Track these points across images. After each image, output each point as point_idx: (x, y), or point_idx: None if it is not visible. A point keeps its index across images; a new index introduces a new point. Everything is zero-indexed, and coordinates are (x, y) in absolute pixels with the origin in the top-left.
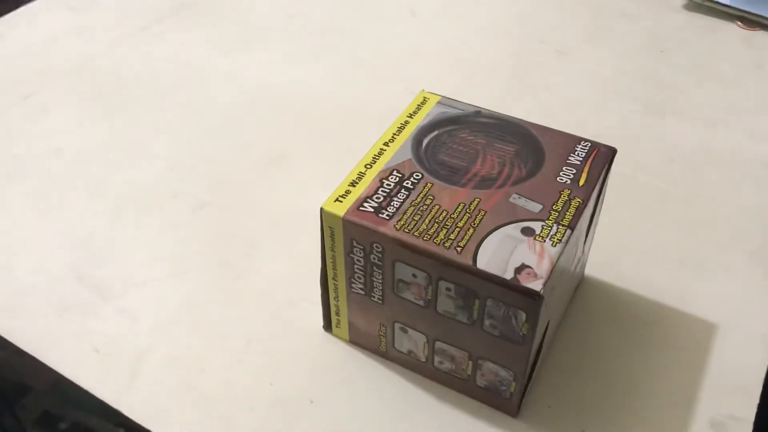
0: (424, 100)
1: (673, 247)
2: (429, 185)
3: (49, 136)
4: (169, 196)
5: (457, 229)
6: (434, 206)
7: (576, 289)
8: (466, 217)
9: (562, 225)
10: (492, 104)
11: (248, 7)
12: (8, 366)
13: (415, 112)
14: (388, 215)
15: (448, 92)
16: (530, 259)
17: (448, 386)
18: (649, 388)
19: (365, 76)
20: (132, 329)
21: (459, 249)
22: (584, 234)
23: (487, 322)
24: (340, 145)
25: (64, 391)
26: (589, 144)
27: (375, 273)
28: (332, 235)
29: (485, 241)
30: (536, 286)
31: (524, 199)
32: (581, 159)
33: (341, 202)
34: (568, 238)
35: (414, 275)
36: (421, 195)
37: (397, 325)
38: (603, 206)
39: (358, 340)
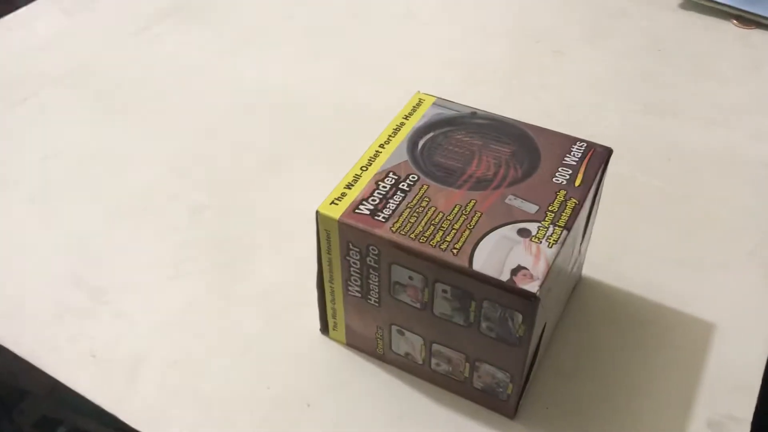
0: (420, 102)
1: (671, 246)
2: (425, 187)
3: (45, 140)
4: (167, 199)
5: (453, 230)
6: (430, 208)
7: (573, 289)
8: (462, 219)
9: (558, 226)
10: (490, 104)
11: (245, 9)
12: (6, 371)
13: (410, 114)
14: (384, 217)
15: (446, 93)
16: (526, 261)
17: (445, 388)
18: (647, 389)
19: (363, 76)
20: (129, 333)
21: (455, 251)
22: (581, 234)
23: (483, 324)
24: (339, 146)
25: (62, 396)
26: (585, 144)
27: (371, 275)
28: (328, 238)
29: (481, 242)
30: (532, 287)
31: (520, 200)
32: (577, 159)
33: (337, 204)
34: (564, 238)
35: (410, 277)
36: (417, 197)
37: (393, 328)
38: (601, 206)
39: (355, 343)
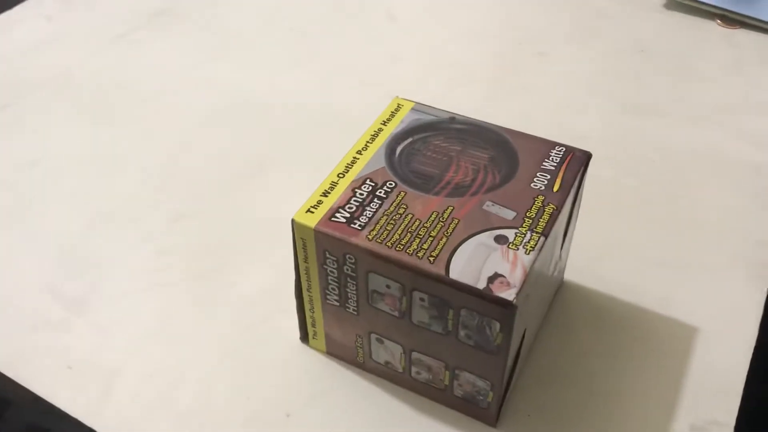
0: (398, 107)
1: (654, 249)
2: (402, 194)
3: (24, 148)
4: (146, 208)
5: (430, 238)
6: (407, 215)
7: (555, 294)
8: (439, 226)
9: (536, 232)
10: (473, 107)
11: (227, 14)
12: None
13: (388, 120)
14: (360, 225)
15: (428, 96)
16: (503, 268)
17: (426, 396)
18: (630, 394)
19: (345, 81)
20: (106, 344)
21: (432, 259)
22: (560, 239)
23: (461, 332)
24: (321, 152)
25: (47, 404)
26: (564, 149)
27: (349, 284)
28: (305, 247)
29: (458, 250)
30: (509, 295)
31: (498, 206)
32: (556, 164)
33: (313, 212)
34: (542, 245)
35: (388, 286)
36: (394, 204)
37: (373, 336)
38: (583, 209)
39: (335, 352)
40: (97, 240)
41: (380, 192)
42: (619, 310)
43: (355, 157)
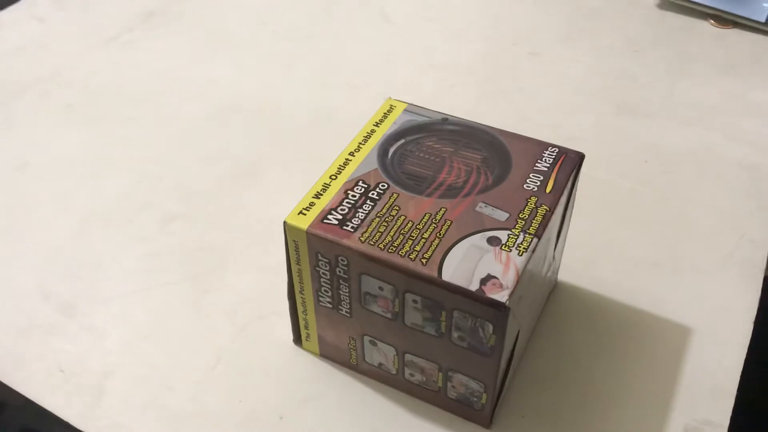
0: (391, 108)
1: (647, 249)
2: (395, 196)
3: (14, 150)
4: (138, 209)
5: (423, 240)
6: (400, 217)
7: (549, 295)
8: (431, 228)
9: (529, 233)
10: (466, 108)
11: (219, 15)
12: None
13: (381, 121)
14: (352, 227)
15: (421, 96)
16: (496, 270)
17: (419, 398)
18: (624, 395)
19: (338, 82)
20: (98, 347)
21: (424, 260)
22: (553, 241)
23: (455, 334)
24: (313, 153)
25: (39, 408)
26: (557, 150)
27: (341, 286)
28: (297, 249)
29: (451, 251)
30: (502, 297)
31: (491, 207)
32: (548, 165)
33: (305, 214)
34: (535, 246)
35: (380, 288)
36: (387, 206)
37: (366, 338)
38: (576, 209)
39: (328, 354)
40: (89, 242)
41: (373, 193)
42: (613, 310)
43: (347, 159)
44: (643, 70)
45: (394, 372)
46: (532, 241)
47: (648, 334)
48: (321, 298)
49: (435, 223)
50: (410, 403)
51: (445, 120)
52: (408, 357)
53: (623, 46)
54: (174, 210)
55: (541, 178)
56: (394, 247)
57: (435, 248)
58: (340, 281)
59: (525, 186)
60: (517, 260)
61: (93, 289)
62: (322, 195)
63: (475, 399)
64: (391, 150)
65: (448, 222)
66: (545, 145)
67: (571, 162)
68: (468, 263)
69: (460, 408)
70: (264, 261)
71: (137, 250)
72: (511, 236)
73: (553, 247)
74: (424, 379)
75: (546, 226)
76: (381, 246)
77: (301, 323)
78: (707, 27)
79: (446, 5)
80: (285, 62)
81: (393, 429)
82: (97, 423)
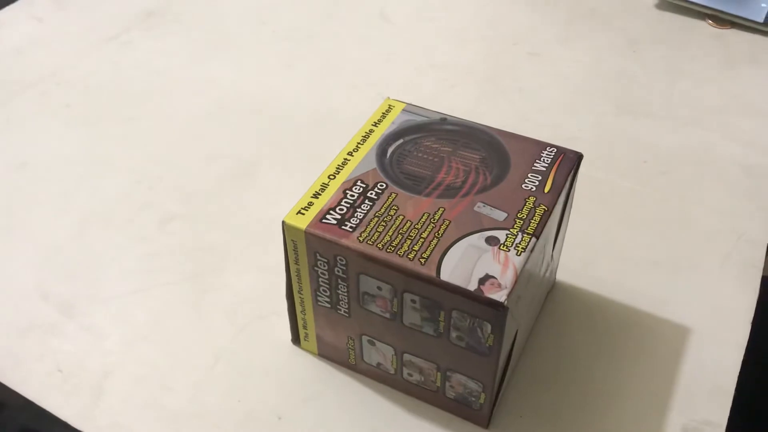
0: (390, 108)
1: (646, 249)
2: (393, 195)
3: (13, 150)
4: (137, 209)
5: (421, 240)
6: (398, 217)
7: (547, 294)
8: (430, 228)
9: (527, 233)
10: (465, 108)
11: (219, 14)
12: None
13: (380, 121)
14: (351, 227)
15: (421, 96)
16: (494, 270)
17: (418, 398)
18: (623, 395)
19: (337, 81)
20: (97, 347)
21: (423, 260)
22: (552, 240)
23: (453, 334)
24: (313, 152)
25: (38, 408)
26: (555, 150)
27: (340, 286)
28: (295, 249)
29: (449, 251)
30: (500, 297)
31: (489, 207)
32: (547, 165)
33: (303, 214)
34: (533, 246)
35: (379, 288)
36: (385, 205)
37: (364, 338)
38: (575, 209)
39: (327, 354)
40: (89, 242)
41: (371, 193)
42: (611, 310)
43: (346, 159)
44: (642, 70)
45: (392, 372)
46: (530, 240)
47: (646, 334)
48: (319, 298)
49: (433, 223)
50: (409, 403)
51: (444, 120)
52: (406, 357)
53: (622, 47)
54: (173, 210)
55: (540, 178)
56: (393, 246)
57: (433, 248)
58: (339, 281)
59: (523, 186)
60: (516, 260)
61: (92, 289)
62: (320, 195)
63: (473, 399)
64: (390, 150)
65: (447, 222)
66: (543, 145)
67: (569, 162)
68: (466, 263)
69: (459, 408)
70: (263, 261)
71: (137, 250)
72: (510, 236)
73: (552, 247)
74: (423, 378)
75: (544, 225)
76: (379, 246)
77: (300, 323)
78: (705, 27)
79: (446, 5)
80: (285, 62)
81: (391, 429)
82: (97, 423)
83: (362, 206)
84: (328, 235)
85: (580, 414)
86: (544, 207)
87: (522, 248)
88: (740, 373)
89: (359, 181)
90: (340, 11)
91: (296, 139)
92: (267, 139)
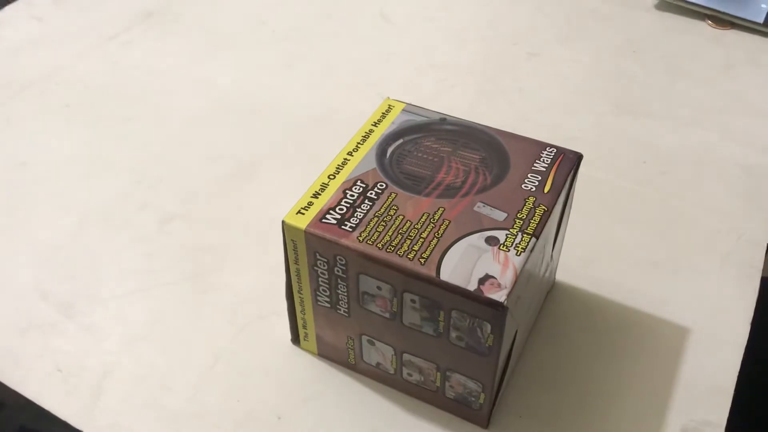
0: (389, 108)
1: (645, 249)
2: (393, 195)
3: (13, 149)
4: (136, 209)
5: (421, 239)
6: (398, 217)
7: (547, 294)
8: (429, 228)
9: (527, 233)
10: (465, 108)
11: (218, 14)
12: None
13: (379, 121)
14: (351, 227)
15: (421, 96)
16: (494, 270)
17: (417, 398)
18: (622, 395)
19: (337, 81)
20: (96, 347)
21: (422, 260)
22: (551, 240)
23: (453, 334)
24: (312, 152)
25: (38, 407)
26: (555, 150)
27: (340, 285)
28: (295, 248)
29: (449, 251)
30: (500, 296)
31: (489, 207)
32: (546, 165)
33: (303, 214)
34: (533, 246)
35: (378, 287)
36: (385, 205)
37: (364, 338)
38: (575, 209)
39: (326, 354)
40: (87, 241)
41: (371, 193)
42: (611, 310)
43: (345, 159)
44: (641, 70)
45: (392, 372)
46: (530, 240)
47: (646, 334)
48: (319, 298)
49: (433, 223)
50: (408, 403)
51: (444, 120)
52: (406, 357)
53: (622, 47)
54: (173, 210)
55: (540, 178)
56: (393, 246)
57: (433, 248)
58: (339, 281)
59: (523, 186)
60: (515, 260)
61: (92, 289)
62: (320, 194)
63: (473, 399)
64: (390, 150)
65: (447, 222)
66: (543, 145)
67: (569, 162)
68: (466, 263)
69: (458, 408)
70: (263, 261)
71: (136, 249)
72: (509, 236)
73: (551, 247)
74: (422, 378)
75: (544, 226)
76: (379, 246)
77: (300, 323)
78: (705, 28)
79: (446, 5)
80: (285, 62)
81: (391, 428)
82: (96, 423)
83: (362, 206)
84: (327, 235)
85: (579, 414)
86: (543, 207)
87: (522, 248)
88: (740, 373)
89: (359, 181)
90: (340, 11)
91: (296, 139)
92: (267, 139)
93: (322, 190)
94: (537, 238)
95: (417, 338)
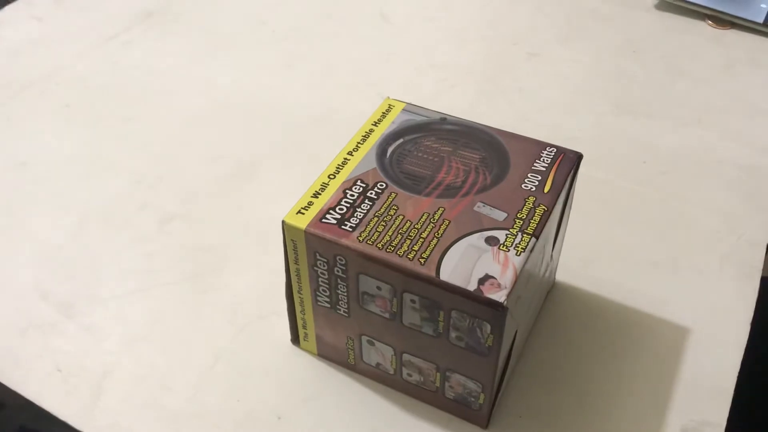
0: (389, 108)
1: (645, 250)
2: (393, 195)
3: (13, 149)
4: (136, 209)
5: (421, 239)
6: (398, 217)
7: (547, 295)
8: (429, 228)
9: (527, 233)
10: (465, 108)
11: (218, 14)
12: None
13: (379, 120)
14: (351, 227)
15: (421, 96)
16: (494, 270)
17: (417, 398)
18: (622, 396)
19: (337, 81)
20: (96, 347)
21: (422, 260)
22: (551, 240)
23: (452, 334)
24: (312, 152)
25: (37, 408)
26: (555, 150)
27: (339, 286)
28: (295, 248)
29: (449, 251)
30: (500, 297)
31: (489, 207)
32: (546, 165)
33: (303, 214)
34: (533, 246)
35: (378, 287)
36: (385, 205)
37: (364, 338)
38: (575, 209)
39: (326, 354)
40: (88, 242)
41: (371, 193)
42: (611, 311)
43: (346, 158)
44: (641, 70)
45: (391, 372)
46: (530, 241)
47: (645, 334)
48: (319, 298)
49: (433, 223)
50: (408, 403)
51: (444, 120)
52: (406, 357)
53: (622, 47)
54: (173, 210)
55: (540, 178)
56: (393, 246)
57: (433, 248)
58: (338, 281)
59: (523, 186)
60: (515, 260)
61: (91, 289)
62: (320, 194)
63: (472, 399)
64: (390, 149)
65: (447, 222)
66: (543, 145)
67: (569, 162)
68: (466, 263)
69: (458, 408)
70: (263, 261)
71: (136, 249)
72: (509, 236)
73: (551, 247)
74: (422, 379)
75: (544, 226)
76: (379, 246)
77: (299, 323)
78: (705, 28)
79: (446, 5)
80: (285, 62)
81: (391, 429)
82: (96, 423)
83: (362, 206)
84: (327, 235)
85: (579, 414)
86: (543, 207)
87: (522, 248)
88: (740, 373)
89: (359, 181)
90: (340, 11)
91: (296, 139)
92: (267, 139)
93: (322, 189)
94: (537, 238)
95: (417, 338)
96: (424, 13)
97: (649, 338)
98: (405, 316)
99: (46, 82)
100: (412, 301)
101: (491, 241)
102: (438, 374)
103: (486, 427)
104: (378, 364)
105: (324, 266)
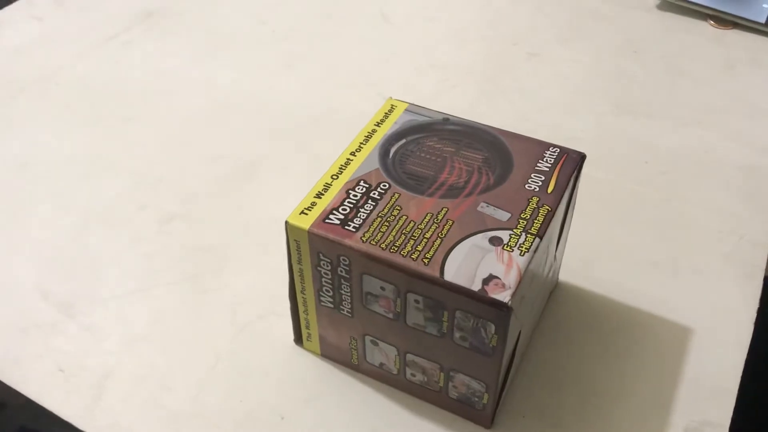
0: (392, 108)
1: (647, 250)
2: (396, 195)
3: (14, 149)
4: (137, 209)
5: (425, 240)
6: (401, 217)
7: (550, 295)
8: (433, 228)
9: (531, 233)
10: (465, 108)
11: (218, 14)
12: None
13: (382, 121)
14: (354, 227)
15: (421, 96)
16: (498, 270)
17: (421, 398)
18: (625, 396)
19: (337, 81)
20: (97, 347)
21: (426, 260)
22: (555, 241)
23: (456, 334)
24: (313, 153)
25: (39, 407)
26: (558, 150)
27: (343, 286)
28: (298, 249)
29: (453, 251)
30: (504, 297)
31: (492, 207)
32: (550, 165)
33: (306, 214)
34: (537, 246)
35: (382, 288)
36: (388, 205)
37: (367, 338)
38: (577, 210)
39: (329, 354)
40: (88, 242)
41: (374, 193)
42: (614, 311)
43: (348, 159)
44: (642, 70)
45: (395, 372)
46: (534, 241)
47: (648, 334)
48: (322, 298)
49: (437, 223)
50: (411, 403)
51: (446, 120)
52: (409, 357)
53: (623, 47)
54: (173, 210)
55: (543, 178)
56: (396, 247)
57: (437, 248)
58: (342, 281)
59: (526, 186)
60: (519, 260)
61: (92, 289)
62: (323, 195)
63: (476, 399)
64: (393, 150)
65: (450, 222)
66: (546, 145)
67: (572, 162)
68: (470, 263)
69: (462, 408)
70: (264, 261)
71: (137, 249)
72: (513, 236)
73: (555, 247)
74: (426, 379)
75: (548, 226)
76: (383, 246)
77: (302, 323)
78: (707, 28)
79: (446, 5)
80: (285, 62)
81: (394, 429)
82: (97, 423)
83: (365, 206)
84: (331, 235)
85: (582, 414)
86: (547, 207)
87: (525, 248)
88: (743, 373)
89: (362, 181)
90: (340, 11)
91: (296, 139)
92: (267, 139)
93: (326, 190)
94: (541, 239)
95: (420, 338)
96: (424, 13)
97: (652, 338)
98: (409, 317)
99: (46, 83)
100: (416, 301)
101: (495, 241)
102: (442, 374)
103: (490, 427)
104: (381, 364)
105: (327, 266)
